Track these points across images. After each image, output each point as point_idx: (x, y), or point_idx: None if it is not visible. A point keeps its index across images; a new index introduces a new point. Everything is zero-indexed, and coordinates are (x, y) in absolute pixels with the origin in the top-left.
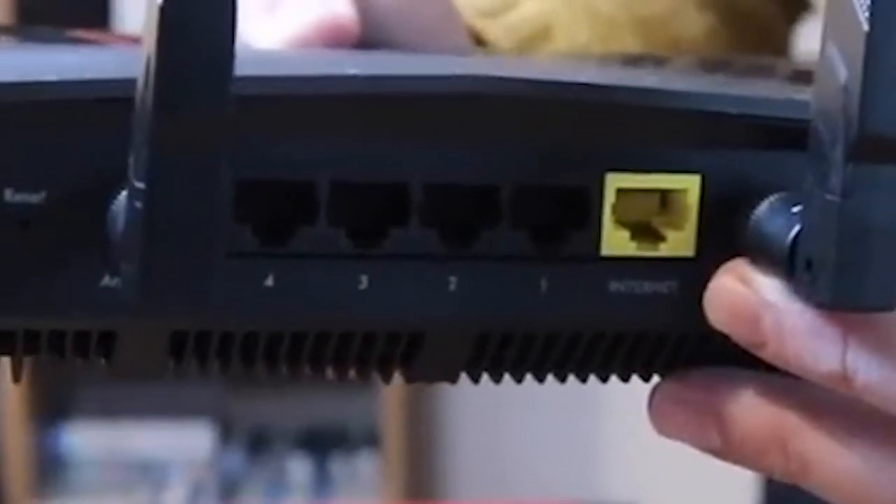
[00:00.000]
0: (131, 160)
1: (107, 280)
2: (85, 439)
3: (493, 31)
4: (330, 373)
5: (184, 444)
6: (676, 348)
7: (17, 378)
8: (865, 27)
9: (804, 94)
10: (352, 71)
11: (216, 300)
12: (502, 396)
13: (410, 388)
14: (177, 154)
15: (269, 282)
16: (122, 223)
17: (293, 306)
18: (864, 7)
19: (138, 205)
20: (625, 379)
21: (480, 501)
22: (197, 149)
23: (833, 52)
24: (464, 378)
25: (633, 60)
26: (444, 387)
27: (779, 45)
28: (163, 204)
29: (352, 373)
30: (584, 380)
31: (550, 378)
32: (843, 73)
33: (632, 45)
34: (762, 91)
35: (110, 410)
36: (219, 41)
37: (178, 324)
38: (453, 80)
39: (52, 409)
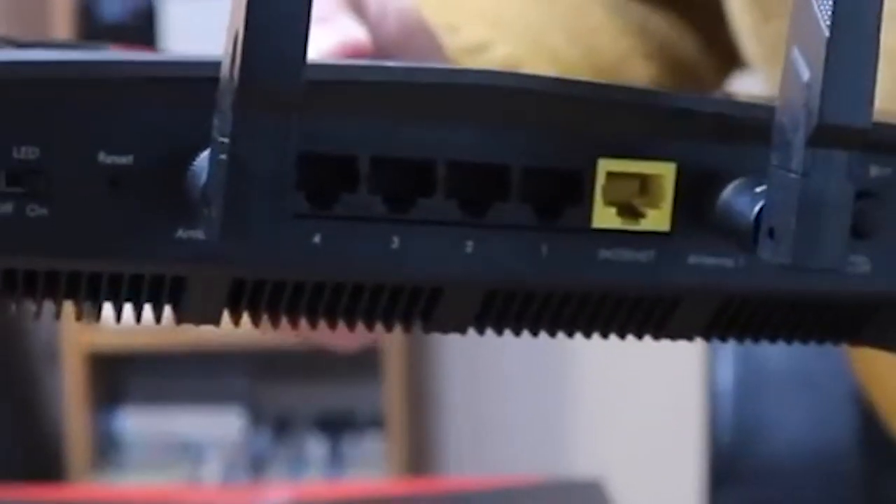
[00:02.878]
0: (216, 120)
1: (181, 232)
2: (135, 423)
3: (470, 66)
4: (360, 325)
5: (218, 427)
6: (650, 309)
7: (79, 317)
8: (826, 34)
9: (759, 99)
10: (393, 66)
11: (284, 241)
12: (489, 387)
13: (410, 378)
14: (256, 114)
15: (317, 239)
16: (204, 176)
17: (336, 261)
18: (826, 17)
19: (222, 157)
20: (605, 335)
21: (464, 476)
22: (273, 110)
23: (797, 54)
24: (456, 370)
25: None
26: (440, 377)
27: (711, 90)
28: (243, 155)
29: (379, 325)
30: (571, 335)
31: (547, 372)
32: (805, 73)
33: None
34: (724, 98)
35: (157, 398)
36: (297, 22)
37: (246, 266)
38: (476, 74)
39: (108, 397)
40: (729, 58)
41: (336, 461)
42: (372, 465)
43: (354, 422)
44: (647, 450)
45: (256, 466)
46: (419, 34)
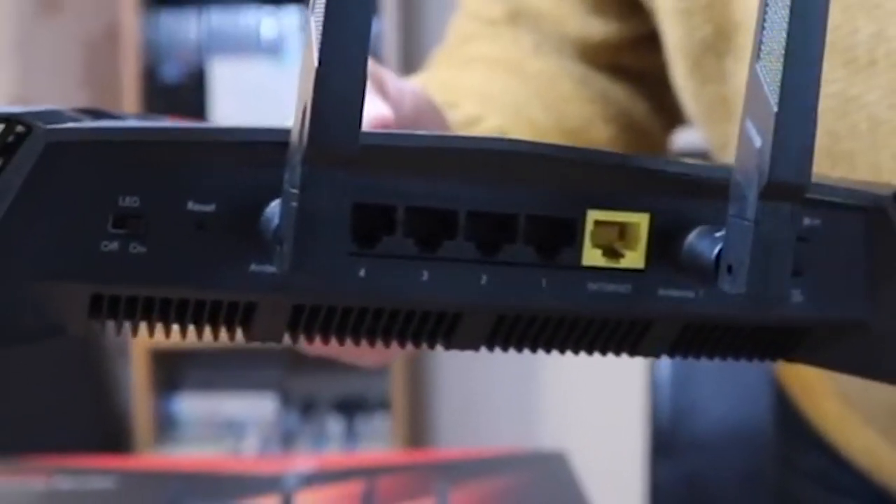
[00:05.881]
0: (287, 174)
1: (254, 267)
2: (189, 406)
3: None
4: (395, 343)
5: (256, 409)
6: (627, 332)
7: (151, 334)
8: (775, 109)
9: (715, 164)
10: (424, 133)
11: (337, 275)
12: (476, 378)
13: (412, 369)
14: (321, 169)
15: (362, 273)
16: (276, 220)
17: (376, 291)
18: (774, 96)
19: (293, 204)
20: (590, 353)
21: (454, 448)
22: (335, 165)
23: (750, 126)
24: (449, 364)
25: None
26: (436, 369)
27: (659, 146)
28: (310, 202)
29: (409, 343)
30: (563, 352)
31: (520, 366)
32: (757, 140)
33: None
34: (685, 160)
35: (207, 386)
36: (355, 96)
37: (305, 295)
38: (490, 141)
39: (167, 385)
40: (673, 118)
41: (351, 437)
42: (380, 439)
43: (366, 405)
44: (601, 426)
45: (287, 441)
46: (429, 112)
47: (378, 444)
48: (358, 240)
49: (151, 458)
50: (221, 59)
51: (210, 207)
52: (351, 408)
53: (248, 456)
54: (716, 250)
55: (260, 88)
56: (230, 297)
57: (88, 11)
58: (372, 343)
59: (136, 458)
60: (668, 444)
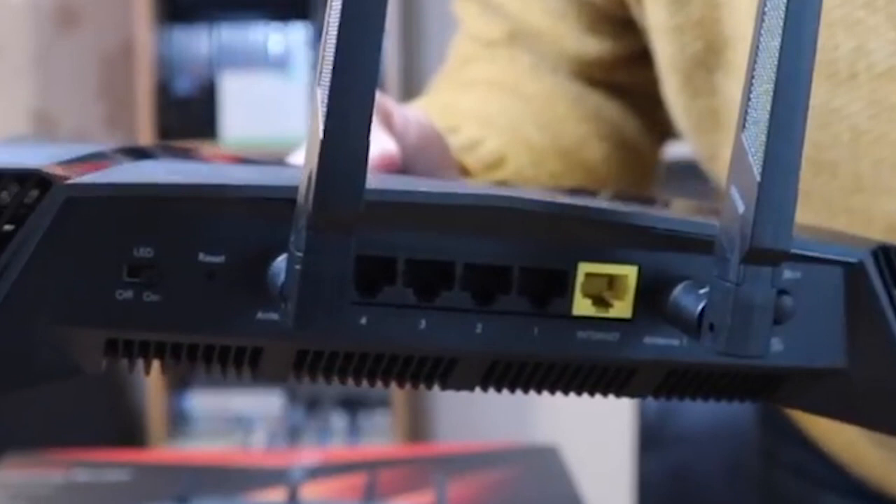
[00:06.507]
0: (292, 237)
1: (260, 314)
2: (201, 402)
3: (468, 161)
4: (394, 383)
5: (264, 405)
6: (614, 377)
7: (164, 372)
8: (758, 178)
9: (703, 218)
10: (423, 189)
11: (340, 324)
12: None
13: None
14: (325, 234)
15: (364, 321)
16: (282, 276)
17: (377, 338)
18: (758, 165)
19: (298, 266)
20: (579, 394)
21: (451, 443)
22: (338, 231)
23: (735, 192)
24: None
25: (578, 190)
26: None
27: (650, 161)
28: (314, 265)
29: (408, 384)
30: (553, 393)
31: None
32: (741, 206)
33: (554, 167)
34: (674, 215)
35: (217, 383)
36: (358, 165)
37: (310, 342)
38: (487, 197)
39: (179, 381)
40: (663, 134)
41: (354, 432)
42: (381, 434)
43: (368, 401)
44: (591, 422)
45: (293, 436)
46: (433, 140)
47: (379, 438)
48: (360, 290)
49: (164, 451)
50: (231, 73)
51: (220, 259)
52: (354, 404)
53: (255, 450)
54: (699, 307)
55: (267, 101)
56: (238, 343)
57: (105, 27)
58: (372, 384)
59: (149, 452)
60: (655, 438)
